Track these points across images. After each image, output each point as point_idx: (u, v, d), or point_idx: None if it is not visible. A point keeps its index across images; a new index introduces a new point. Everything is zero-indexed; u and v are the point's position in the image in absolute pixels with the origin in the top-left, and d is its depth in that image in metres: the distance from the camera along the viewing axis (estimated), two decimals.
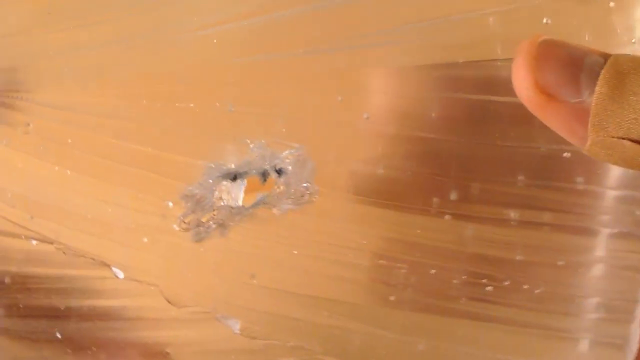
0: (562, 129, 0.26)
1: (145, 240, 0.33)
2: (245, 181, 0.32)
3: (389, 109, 0.31)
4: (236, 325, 0.33)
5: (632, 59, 0.25)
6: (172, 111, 0.33)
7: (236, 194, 0.32)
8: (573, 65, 0.25)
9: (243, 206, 0.32)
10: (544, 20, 0.30)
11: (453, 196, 0.31)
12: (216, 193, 0.32)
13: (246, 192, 0.32)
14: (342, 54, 0.31)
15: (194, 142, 0.33)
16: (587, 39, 0.31)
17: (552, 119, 0.26)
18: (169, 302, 0.33)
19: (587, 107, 0.25)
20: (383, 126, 0.31)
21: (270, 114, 0.32)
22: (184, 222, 0.33)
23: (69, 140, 0.33)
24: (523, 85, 0.26)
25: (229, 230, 0.32)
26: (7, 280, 0.35)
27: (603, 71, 0.24)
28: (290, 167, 0.32)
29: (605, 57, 0.25)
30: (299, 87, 0.32)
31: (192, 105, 0.32)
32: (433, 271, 0.31)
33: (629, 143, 0.24)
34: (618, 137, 0.24)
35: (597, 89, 0.24)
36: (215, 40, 0.32)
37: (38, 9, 0.34)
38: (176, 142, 0.33)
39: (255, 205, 0.32)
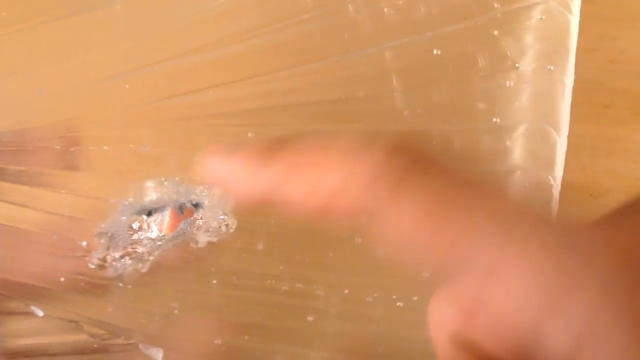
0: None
1: (62, 280, 0.34)
2: (166, 212, 0.34)
3: None
4: (159, 355, 0.34)
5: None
6: (86, 154, 0.33)
7: (157, 225, 0.34)
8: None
9: (164, 238, 0.34)
10: (434, 52, 0.33)
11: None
12: (133, 227, 0.34)
13: (169, 221, 0.34)
14: (249, 92, 0.33)
15: (109, 183, 0.34)
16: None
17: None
18: (90, 336, 0.34)
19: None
20: None
21: (183, 153, 0.33)
22: (99, 260, 0.34)
23: None
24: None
25: (148, 264, 0.34)
26: None
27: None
28: (206, 202, 0.33)
29: None
30: (210, 126, 0.33)
31: (105, 147, 0.33)
32: (346, 291, 0.34)
33: None
34: None
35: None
36: (127, 86, 0.33)
37: None
38: (91, 183, 0.34)
39: (176, 236, 0.34)
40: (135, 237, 0.34)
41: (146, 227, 0.34)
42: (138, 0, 0.33)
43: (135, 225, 0.34)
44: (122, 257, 0.34)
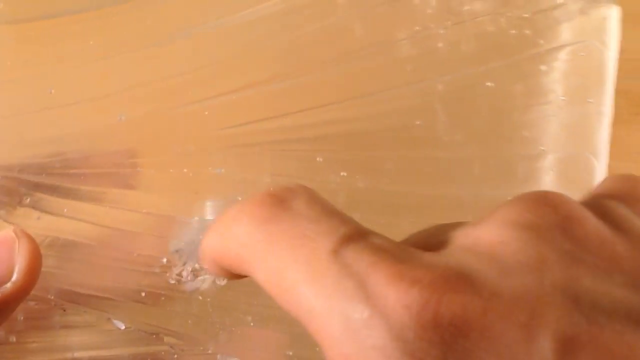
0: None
1: (144, 294, 0.36)
2: None
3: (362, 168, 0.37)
4: None
5: None
6: (161, 175, 0.36)
7: None
8: None
9: None
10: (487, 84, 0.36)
11: None
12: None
13: None
14: (316, 121, 0.36)
15: (184, 202, 0.36)
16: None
17: None
18: (170, 347, 0.36)
19: None
20: (360, 182, 0.37)
21: (254, 176, 0.36)
22: (177, 275, 0.36)
23: (65, 209, 0.36)
24: None
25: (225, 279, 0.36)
26: (12, 339, 0.36)
27: None
28: None
29: None
30: (279, 151, 0.36)
31: (185, 170, 0.36)
32: None
33: None
34: None
35: None
36: (206, 113, 0.36)
37: None
38: (164, 205, 0.36)
39: None
40: None
41: None
42: (213, 34, 0.36)
43: None
44: (197, 272, 0.36)
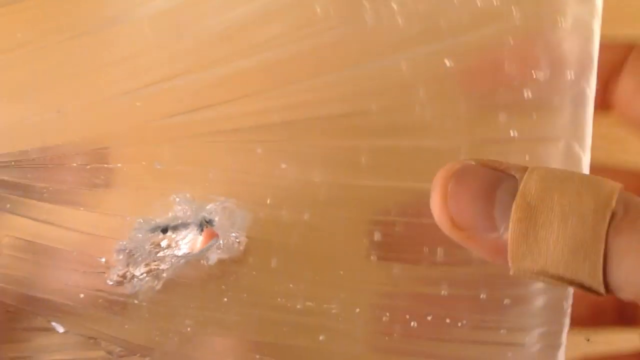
0: (487, 258, 0.27)
1: (82, 296, 0.34)
2: (196, 230, 0.34)
3: (311, 158, 0.33)
4: None
5: (541, 187, 0.25)
6: (100, 171, 0.34)
7: (190, 244, 0.34)
8: (485, 200, 0.26)
9: (188, 256, 0.34)
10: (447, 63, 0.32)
11: (377, 237, 0.33)
12: (161, 245, 0.34)
13: (202, 242, 0.34)
14: (260, 108, 0.33)
15: (123, 200, 0.34)
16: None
17: (475, 250, 0.27)
18: (107, 353, 0.34)
19: (506, 241, 0.25)
20: (304, 174, 0.33)
21: (195, 170, 0.33)
22: (118, 276, 0.34)
23: (7, 205, 0.35)
24: (440, 222, 0.27)
25: (162, 281, 0.34)
26: None
27: (514, 206, 0.25)
28: (216, 219, 0.33)
29: (522, 174, 0.26)
30: (219, 142, 0.33)
31: (119, 165, 0.34)
32: (357, 309, 0.33)
33: (545, 278, 0.25)
34: (535, 272, 0.25)
35: (510, 225, 0.25)
36: (138, 104, 0.33)
37: None
38: (105, 201, 0.34)
39: (198, 254, 0.34)
40: (161, 254, 0.34)
41: (174, 245, 0.34)
42: (149, 18, 0.34)
43: (163, 243, 0.34)
44: (141, 274, 0.34)
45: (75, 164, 0.34)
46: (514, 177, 0.26)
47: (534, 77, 0.31)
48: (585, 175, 0.27)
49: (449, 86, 0.32)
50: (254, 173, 0.33)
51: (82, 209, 0.34)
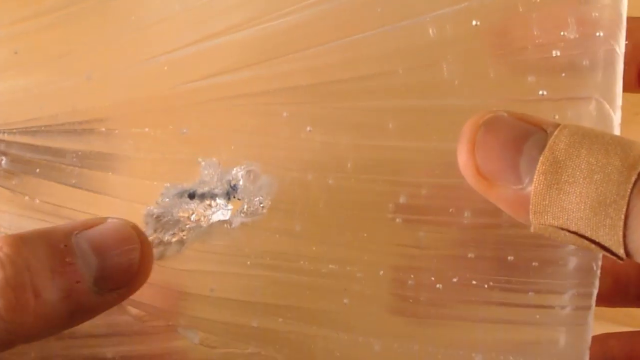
0: (507, 211, 0.26)
1: None
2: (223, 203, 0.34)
3: (336, 120, 0.33)
4: (196, 337, 0.34)
5: (570, 142, 0.25)
6: (128, 136, 0.34)
7: (200, 211, 0.34)
8: (513, 151, 0.26)
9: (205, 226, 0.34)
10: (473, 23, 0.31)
11: (403, 200, 0.32)
12: (175, 210, 0.34)
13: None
14: (284, 70, 0.33)
15: (151, 165, 0.34)
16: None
17: (496, 201, 0.26)
18: (132, 317, 0.34)
19: (529, 194, 0.25)
20: (329, 137, 0.33)
21: (220, 134, 0.34)
22: None
23: (37, 170, 0.35)
24: (465, 170, 0.27)
25: (185, 246, 0.34)
26: None
27: (541, 159, 0.25)
28: (241, 183, 0.33)
29: (553, 130, 0.25)
30: (245, 106, 0.33)
31: (146, 129, 0.34)
32: (381, 272, 0.33)
33: (567, 234, 0.25)
34: (556, 227, 0.25)
35: (535, 177, 0.25)
36: (165, 68, 0.34)
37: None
38: (134, 166, 0.34)
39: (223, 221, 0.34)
40: (189, 226, 0.34)
41: (202, 219, 0.34)
42: None
43: (193, 217, 0.34)
44: (167, 240, 0.34)
45: (103, 129, 0.34)
46: (545, 131, 0.26)
47: (563, 35, 0.31)
48: (615, 135, 0.26)
49: (476, 46, 0.32)
50: (279, 136, 0.33)
51: (110, 173, 0.35)
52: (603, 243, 0.24)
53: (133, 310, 0.34)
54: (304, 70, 0.33)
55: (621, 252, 0.24)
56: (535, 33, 0.31)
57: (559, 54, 0.31)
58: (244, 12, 0.33)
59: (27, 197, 0.35)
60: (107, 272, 0.28)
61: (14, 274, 0.26)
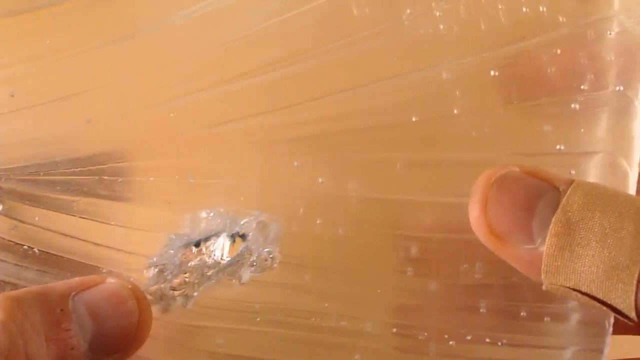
0: (520, 269, 0.26)
1: None
2: (224, 237, 0.33)
3: (348, 171, 0.32)
4: None
5: (584, 203, 0.24)
6: (131, 184, 0.33)
7: (219, 250, 0.33)
8: (525, 210, 0.25)
9: (219, 265, 0.33)
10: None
11: (414, 252, 0.32)
12: (177, 261, 0.33)
13: (230, 247, 0.33)
14: (296, 120, 0.32)
15: (155, 216, 0.33)
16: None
17: (508, 260, 0.26)
18: None
19: (541, 254, 0.25)
20: (341, 188, 0.32)
21: (228, 183, 0.33)
22: (149, 295, 0.33)
23: (36, 218, 0.34)
24: (477, 228, 0.26)
25: (192, 301, 0.33)
26: None
27: (553, 220, 0.24)
28: (250, 233, 0.32)
29: (566, 188, 0.25)
30: (255, 155, 0.32)
31: (151, 179, 0.33)
32: (394, 329, 0.32)
33: (579, 295, 0.25)
34: (568, 287, 0.25)
35: (547, 239, 0.24)
36: (171, 115, 0.33)
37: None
38: (137, 217, 0.33)
39: (230, 264, 0.33)
40: (191, 263, 0.33)
41: (205, 252, 0.33)
42: (183, 27, 0.33)
43: (187, 256, 0.33)
44: (171, 289, 0.33)
45: (106, 177, 0.33)
46: (557, 189, 0.26)
47: (581, 88, 0.30)
48: (630, 196, 0.26)
49: (491, 97, 0.31)
50: (289, 186, 0.32)
51: (112, 223, 0.34)
52: (615, 306, 0.24)
53: None
54: (316, 119, 0.32)
55: (633, 315, 0.24)
56: (552, 84, 0.31)
57: (577, 107, 0.30)
58: (256, 59, 0.32)
59: (25, 247, 0.34)
60: (103, 337, 0.27)
61: (8, 342, 0.25)
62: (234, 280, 0.33)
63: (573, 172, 0.30)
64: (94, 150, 0.34)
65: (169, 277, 0.33)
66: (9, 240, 0.34)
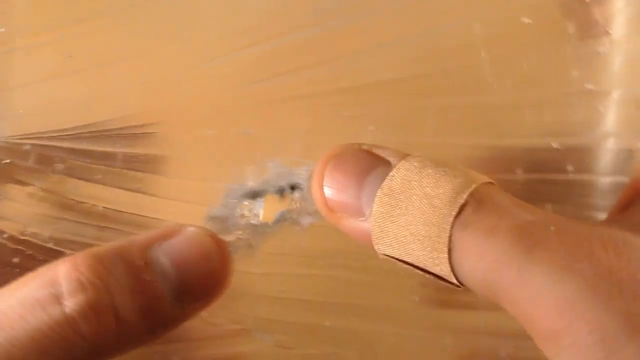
0: (357, 242, 0.26)
1: None
2: (263, 199, 0.34)
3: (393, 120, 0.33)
4: (269, 339, 0.34)
5: (406, 175, 0.25)
6: (192, 139, 0.34)
7: (256, 211, 0.34)
8: (356, 185, 0.26)
9: (266, 224, 0.34)
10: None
11: None
12: (238, 212, 0.34)
13: (265, 209, 0.34)
14: (341, 72, 0.33)
15: (215, 167, 0.34)
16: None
17: (347, 234, 0.27)
18: (206, 321, 0.35)
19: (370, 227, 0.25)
20: (389, 135, 0.33)
21: (284, 134, 0.34)
22: None
23: (99, 176, 0.35)
24: (316, 202, 0.27)
25: (256, 249, 0.34)
26: None
27: (378, 193, 0.25)
28: (305, 183, 0.33)
29: (397, 161, 0.25)
30: (309, 107, 0.33)
31: (210, 132, 0.34)
32: None
33: (400, 263, 0.25)
34: (395, 258, 0.25)
35: (373, 208, 0.25)
36: (226, 69, 0.34)
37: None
38: (198, 168, 0.34)
39: (277, 221, 0.34)
40: (242, 221, 0.34)
41: (250, 211, 0.34)
42: None
43: (241, 209, 0.34)
44: (233, 241, 0.34)
45: (161, 132, 0.34)
46: (390, 163, 0.26)
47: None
48: (453, 166, 0.26)
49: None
50: (341, 135, 0.33)
51: (169, 176, 0.35)
52: (437, 274, 0.24)
53: (205, 315, 0.34)
54: (361, 71, 0.33)
55: (455, 281, 0.24)
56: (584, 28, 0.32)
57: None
58: (300, 15, 0.33)
59: (88, 204, 0.35)
60: (186, 285, 0.27)
61: (96, 297, 0.25)
62: (294, 227, 0.33)
63: (601, 109, 0.32)
64: (150, 108, 0.35)
65: (231, 227, 0.34)
66: (71, 199, 0.35)
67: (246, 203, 0.34)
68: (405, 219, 0.24)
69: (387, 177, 0.25)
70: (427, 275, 0.24)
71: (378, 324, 0.34)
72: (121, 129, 0.35)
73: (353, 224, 0.26)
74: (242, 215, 0.34)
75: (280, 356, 0.34)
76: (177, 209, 0.35)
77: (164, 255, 0.27)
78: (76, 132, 0.35)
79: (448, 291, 0.33)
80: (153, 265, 0.27)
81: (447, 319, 0.34)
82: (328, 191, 0.26)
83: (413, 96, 0.33)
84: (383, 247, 0.25)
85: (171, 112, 0.35)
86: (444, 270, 0.24)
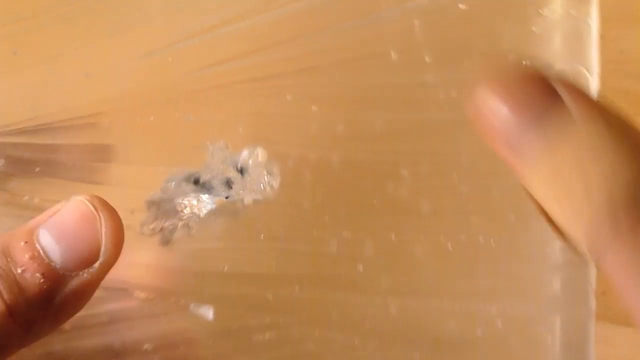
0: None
1: None
2: (212, 193, 0.34)
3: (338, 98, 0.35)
4: (209, 313, 0.34)
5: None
6: (134, 127, 0.35)
7: (203, 205, 0.34)
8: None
9: (210, 205, 0.34)
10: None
11: (404, 173, 0.34)
12: (179, 200, 0.34)
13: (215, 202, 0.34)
14: (283, 57, 0.35)
15: (157, 152, 0.35)
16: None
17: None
18: (141, 301, 0.34)
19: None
20: (332, 115, 0.35)
21: (226, 119, 0.35)
22: (149, 228, 0.34)
23: (37, 169, 0.35)
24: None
25: (195, 227, 0.34)
26: None
27: None
28: (250, 162, 0.34)
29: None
30: (250, 91, 0.35)
31: (152, 118, 0.35)
32: (393, 236, 0.34)
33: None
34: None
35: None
36: (169, 59, 0.35)
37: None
38: (141, 155, 0.35)
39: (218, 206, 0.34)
40: (184, 211, 0.34)
41: (197, 202, 0.34)
42: None
43: (185, 202, 0.34)
44: (171, 224, 0.34)
45: (106, 122, 0.35)
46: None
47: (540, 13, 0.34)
48: None
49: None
50: (284, 117, 0.34)
51: (114, 164, 0.35)
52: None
53: (141, 295, 0.34)
54: (303, 55, 0.35)
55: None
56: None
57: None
58: (239, 6, 0.35)
59: (26, 197, 0.35)
60: (71, 254, 0.28)
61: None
62: (237, 204, 0.34)
63: None
64: (93, 100, 0.35)
65: (169, 211, 0.34)
66: (10, 193, 0.35)
67: (190, 193, 0.34)
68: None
69: None
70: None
71: (323, 291, 0.34)
72: (62, 120, 0.35)
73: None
74: (184, 206, 0.34)
75: (217, 329, 0.34)
76: (121, 195, 0.35)
77: (46, 230, 0.28)
78: (20, 126, 0.35)
79: (393, 259, 0.34)
80: (34, 242, 0.28)
81: (393, 285, 0.34)
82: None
83: (357, 77, 0.35)
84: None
85: (113, 102, 0.35)
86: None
